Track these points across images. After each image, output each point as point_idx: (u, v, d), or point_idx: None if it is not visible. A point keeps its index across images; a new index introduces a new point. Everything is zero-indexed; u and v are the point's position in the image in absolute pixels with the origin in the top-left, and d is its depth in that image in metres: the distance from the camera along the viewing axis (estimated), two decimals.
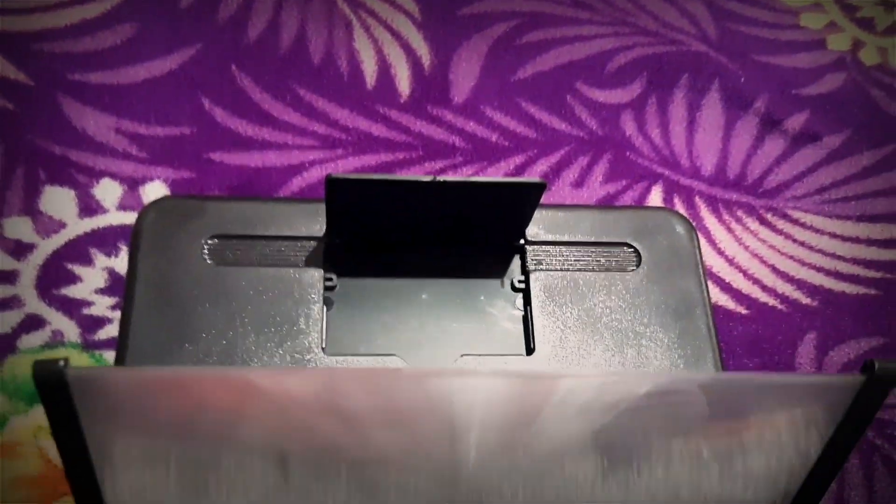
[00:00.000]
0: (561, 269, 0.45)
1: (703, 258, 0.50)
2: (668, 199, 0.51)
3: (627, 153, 0.53)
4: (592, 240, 0.46)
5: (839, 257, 0.50)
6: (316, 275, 0.44)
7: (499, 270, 0.46)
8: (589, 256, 0.45)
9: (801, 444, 0.29)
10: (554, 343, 0.42)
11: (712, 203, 0.51)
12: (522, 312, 0.43)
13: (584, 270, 0.45)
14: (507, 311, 0.44)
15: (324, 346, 0.41)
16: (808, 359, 0.47)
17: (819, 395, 0.28)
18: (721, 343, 0.47)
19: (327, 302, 0.42)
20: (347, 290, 0.44)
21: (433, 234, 0.45)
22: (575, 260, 0.45)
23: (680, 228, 0.47)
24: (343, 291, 0.44)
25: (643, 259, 0.45)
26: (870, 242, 0.51)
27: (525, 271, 0.44)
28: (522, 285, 0.44)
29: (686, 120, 0.54)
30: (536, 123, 0.53)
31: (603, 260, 0.45)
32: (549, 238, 0.46)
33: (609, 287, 0.44)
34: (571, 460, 0.29)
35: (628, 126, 0.54)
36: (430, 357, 0.41)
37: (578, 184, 0.51)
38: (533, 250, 0.45)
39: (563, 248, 0.46)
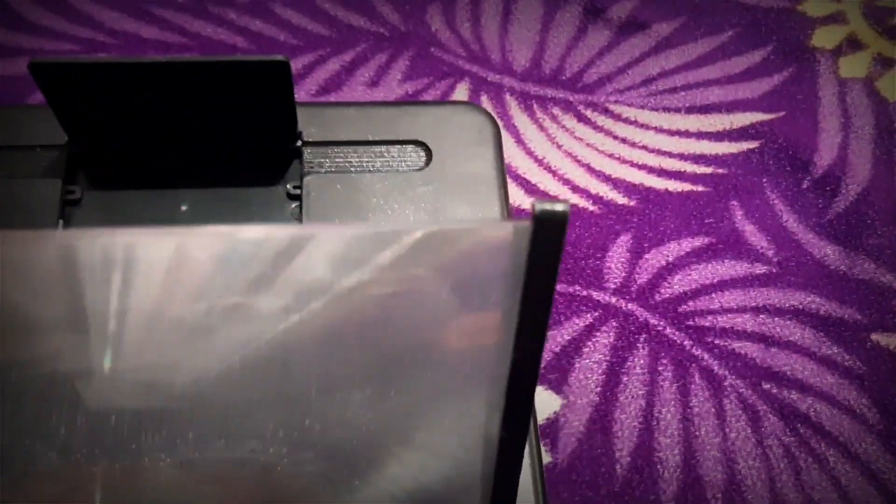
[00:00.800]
0: (340, 172, 0.39)
1: (507, 157, 0.44)
2: (474, 97, 0.45)
3: (431, 49, 0.47)
4: (378, 138, 0.40)
5: (664, 153, 0.44)
6: (54, 186, 0.38)
7: (273, 176, 0.40)
8: (372, 156, 0.40)
9: (502, 294, 0.24)
10: None
11: (524, 100, 0.45)
12: (299, 222, 0.38)
13: (367, 172, 0.39)
14: (282, 222, 0.38)
15: None
16: (619, 263, 0.41)
17: (504, 242, 0.24)
18: None
19: (67, 217, 0.37)
20: (94, 204, 0.38)
21: (192, 137, 0.39)
22: (357, 161, 0.40)
23: (477, 123, 0.41)
24: (89, 205, 0.38)
25: (433, 158, 0.39)
26: (700, 136, 0.45)
27: (300, 175, 0.39)
28: (298, 191, 0.38)
29: (501, 12, 0.48)
30: (331, 20, 0.47)
31: (388, 160, 0.40)
32: (330, 138, 0.40)
33: (393, 188, 0.39)
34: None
35: (435, 20, 0.48)
36: None
37: (373, 83, 0.45)
38: (310, 152, 0.39)
39: (346, 149, 0.40)
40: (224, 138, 0.39)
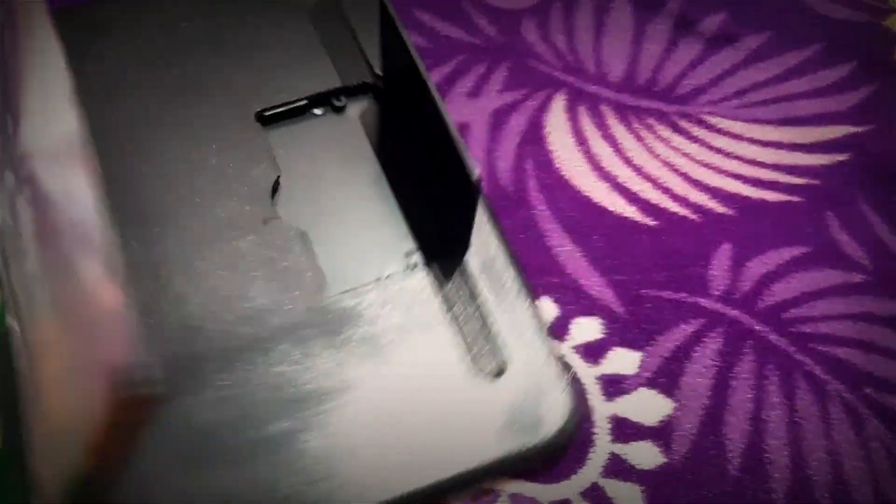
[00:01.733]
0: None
1: (607, 167, 0.46)
2: (571, 107, 0.47)
3: (528, 61, 0.48)
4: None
5: (759, 163, 0.46)
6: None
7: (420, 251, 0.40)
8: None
9: None
10: None
11: (620, 110, 0.47)
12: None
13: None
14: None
15: None
16: (722, 271, 0.43)
17: None
18: (626, 256, 0.43)
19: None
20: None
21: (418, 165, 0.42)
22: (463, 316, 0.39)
23: None
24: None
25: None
26: (793, 147, 0.46)
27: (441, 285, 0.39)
28: (405, 279, 0.39)
29: (593, 25, 0.49)
30: (428, 31, 0.49)
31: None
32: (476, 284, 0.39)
33: None
34: None
35: (530, 32, 0.49)
36: None
37: (474, 93, 0.47)
38: (461, 278, 0.39)
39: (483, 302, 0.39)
40: (424, 194, 0.41)
